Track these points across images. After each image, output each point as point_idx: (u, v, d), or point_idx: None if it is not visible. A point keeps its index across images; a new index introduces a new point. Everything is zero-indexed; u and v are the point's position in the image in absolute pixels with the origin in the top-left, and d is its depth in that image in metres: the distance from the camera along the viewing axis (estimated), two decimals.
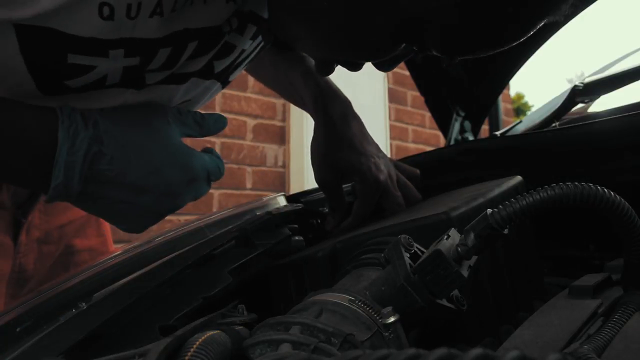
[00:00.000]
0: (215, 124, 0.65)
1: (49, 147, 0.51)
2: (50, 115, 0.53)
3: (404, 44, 0.55)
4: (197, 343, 0.33)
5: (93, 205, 0.58)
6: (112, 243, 1.02)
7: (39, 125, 0.53)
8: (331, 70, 0.62)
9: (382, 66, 0.61)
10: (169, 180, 0.58)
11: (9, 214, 0.82)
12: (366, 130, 0.84)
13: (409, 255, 0.45)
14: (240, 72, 0.78)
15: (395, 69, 4.77)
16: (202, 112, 0.66)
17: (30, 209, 0.85)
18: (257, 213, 0.74)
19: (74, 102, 0.57)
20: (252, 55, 0.73)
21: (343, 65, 0.61)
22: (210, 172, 0.62)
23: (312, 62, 0.83)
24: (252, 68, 0.89)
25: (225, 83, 0.73)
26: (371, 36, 0.53)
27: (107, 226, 1.00)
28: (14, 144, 0.53)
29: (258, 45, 0.72)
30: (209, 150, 0.64)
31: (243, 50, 0.69)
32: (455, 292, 0.45)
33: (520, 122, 1.39)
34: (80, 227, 0.94)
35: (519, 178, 0.69)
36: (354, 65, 0.60)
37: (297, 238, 0.74)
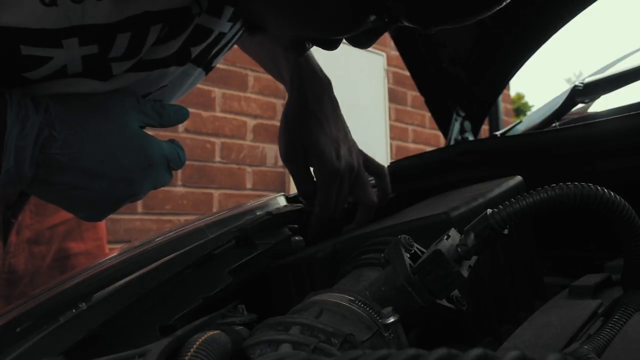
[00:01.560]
0: (176, 115, 0.64)
1: None
2: None
3: (373, 16, 0.54)
4: (197, 343, 0.33)
5: (48, 191, 0.57)
6: (107, 246, 1.01)
7: None
8: (303, 50, 0.61)
9: (357, 42, 0.59)
10: (123, 166, 0.57)
11: None
12: (340, 114, 0.82)
13: (409, 256, 0.45)
14: (226, 56, 0.76)
15: (395, 69, 4.73)
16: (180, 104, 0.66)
17: (20, 209, 0.84)
18: (257, 213, 0.74)
19: (38, 94, 0.57)
20: (235, 39, 0.72)
21: (316, 45, 0.60)
22: (170, 159, 0.61)
23: None
24: (240, 43, 0.88)
25: (208, 69, 0.72)
26: (333, 7, 0.52)
27: (102, 229, 1.00)
28: None
29: (240, 29, 0.71)
30: (171, 141, 0.63)
31: (222, 34, 0.68)
32: (455, 292, 0.46)
33: (520, 122, 1.39)
34: (72, 229, 0.93)
35: (519, 178, 0.69)
36: (327, 44, 0.59)
37: (297, 238, 0.74)
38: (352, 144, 0.81)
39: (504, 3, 0.51)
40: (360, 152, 0.82)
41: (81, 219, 0.62)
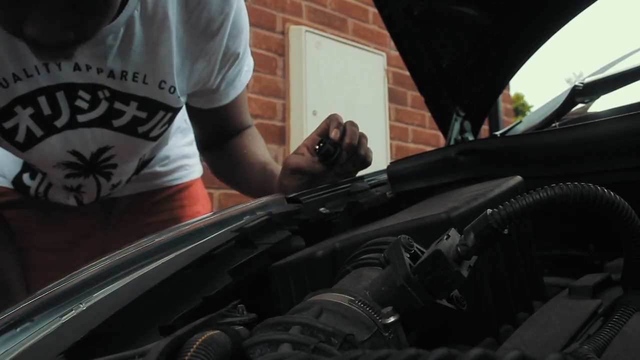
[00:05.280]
0: None
1: None
2: None
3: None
4: (197, 343, 0.33)
5: None
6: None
7: None
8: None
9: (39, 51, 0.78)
10: None
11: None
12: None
13: (409, 255, 0.45)
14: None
15: (395, 69, 4.72)
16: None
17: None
18: (257, 213, 0.74)
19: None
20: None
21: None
22: None
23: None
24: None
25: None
26: None
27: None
28: None
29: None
30: None
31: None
32: (455, 292, 0.45)
33: (520, 122, 1.39)
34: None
35: (519, 178, 0.69)
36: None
37: (297, 238, 0.74)
38: None
39: None
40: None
41: None
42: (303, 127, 3.50)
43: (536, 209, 0.42)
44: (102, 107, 0.98)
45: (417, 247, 0.47)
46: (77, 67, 0.92)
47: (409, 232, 0.48)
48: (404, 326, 0.41)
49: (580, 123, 0.95)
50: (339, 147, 0.90)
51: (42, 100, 0.93)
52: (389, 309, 0.41)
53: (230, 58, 1.06)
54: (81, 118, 0.98)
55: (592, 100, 1.25)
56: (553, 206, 0.42)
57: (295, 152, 0.95)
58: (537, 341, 0.43)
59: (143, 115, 1.02)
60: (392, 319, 0.40)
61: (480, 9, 1.16)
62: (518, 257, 0.62)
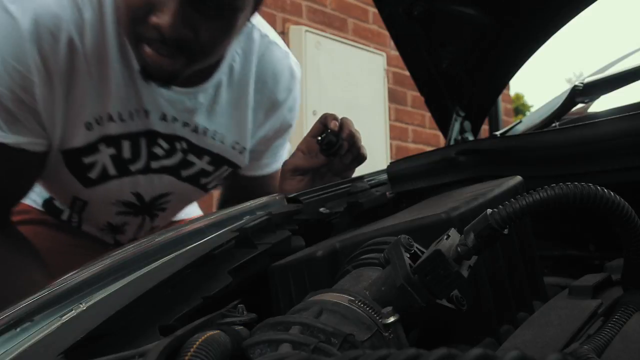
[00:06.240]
0: None
1: None
2: None
3: None
4: (197, 343, 0.33)
5: None
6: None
7: None
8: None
9: None
10: None
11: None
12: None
13: (409, 255, 0.45)
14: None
15: (395, 69, 4.72)
16: None
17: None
18: (257, 213, 0.74)
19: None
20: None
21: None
22: None
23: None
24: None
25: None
26: None
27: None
28: None
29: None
30: None
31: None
32: (455, 292, 0.45)
33: (520, 122, 1.39)
34: None
35: (519, 178, 0.69)
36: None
37: (297, 238, 0.73)
38: None
39: None
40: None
41: None
42: (303, 127, 3.49)
43: (536, 209, 0.42)
44: (177, 157, 1.04)
45: (417, 247, 0.47)
46: (164, 117, 0.98)
47: (409, 232, 0.48)
48: (404, 326, 0.41)
49: (580, 123, 0.95)
50: (339, 137, 0.91)
51: (126, 144, 0.99)
52: (389, 309, 0.41)
53: (283, 129, 1.15)
54: (154, 164, 1.03)
55: (592, 100, 1.25)
56: (553, 206, 0.42)
57: (291, 156, 0.98)
58: (537, 341, 0.43)
59: (210, 169, 1.09)
60: (392, 319, 0.40)
61: (480, 9, 1.16)
62: (518, 257, 0.62)
